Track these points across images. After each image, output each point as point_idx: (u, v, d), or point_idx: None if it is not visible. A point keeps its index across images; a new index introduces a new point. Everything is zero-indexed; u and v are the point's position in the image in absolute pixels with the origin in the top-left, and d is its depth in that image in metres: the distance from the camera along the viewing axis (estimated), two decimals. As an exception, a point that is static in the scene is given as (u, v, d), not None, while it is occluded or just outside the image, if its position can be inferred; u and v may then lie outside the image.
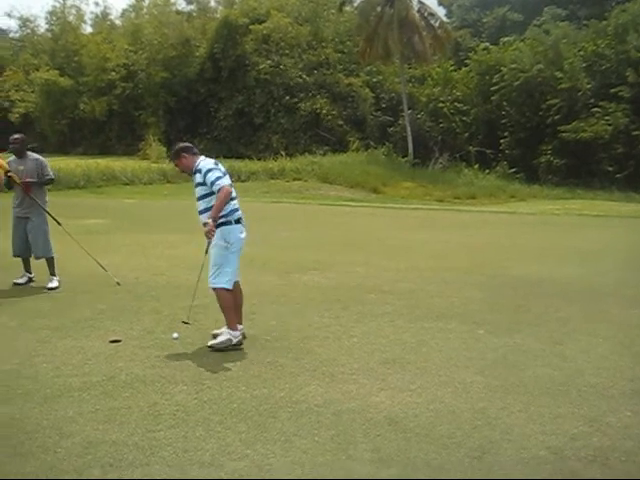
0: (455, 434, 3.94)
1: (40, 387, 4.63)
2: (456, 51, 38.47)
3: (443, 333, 6.02)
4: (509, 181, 28.31)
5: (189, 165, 5.57)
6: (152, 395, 4.49)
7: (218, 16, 39.64)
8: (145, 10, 43.18)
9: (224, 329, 5.49)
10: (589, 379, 4.87)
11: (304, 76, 34.71)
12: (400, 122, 33.26)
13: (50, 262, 7.85)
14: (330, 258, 9.97)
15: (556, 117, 29.01)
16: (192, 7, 43.58)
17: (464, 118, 33.38)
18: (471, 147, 32.09)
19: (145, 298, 7.01)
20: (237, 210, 5.55)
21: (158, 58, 36.70)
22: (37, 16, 46.65)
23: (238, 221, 5.52)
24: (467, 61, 35.04)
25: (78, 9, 44.34)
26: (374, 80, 35.87)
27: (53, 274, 7.83)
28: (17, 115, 38.41)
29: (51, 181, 8.01)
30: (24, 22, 45.59)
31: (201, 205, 5.50)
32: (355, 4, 36.37)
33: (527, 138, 30.28)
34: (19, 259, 7.97)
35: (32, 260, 7.97)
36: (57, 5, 43.67)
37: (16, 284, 7.82)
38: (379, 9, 32.75)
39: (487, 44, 35.53)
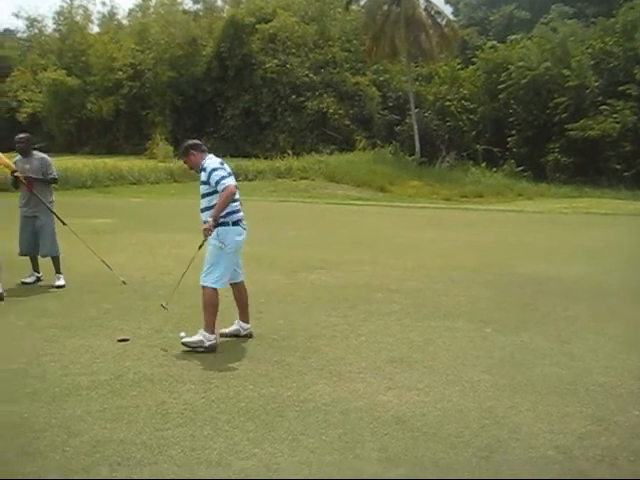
0: (463, 433, 3.93)
1: (48, 386, 4.64)
2: (463, 49, 38.36)
3: (450, 332, 6.01)
4: (516, 179, 28.21)
5: (197, 162, 5.58)
6: (160, 394, 4.50)
7: (225, 15, 39.69)
8: (152, 10, 43.26)
9: (201, 330, 5.44)
10: (597, 378, 4.85)
11: (311, 75, 34.70)
12: (407, 121, 33.20)
13: (56, 260, 7.90)
14: (337, 257, 9.96)
15: (564, 115, 28.90)
16: (199, 6, 43.69)
17: (471, 116, 33.30)
18: (478, 145, 32.01)
19: (152, 297, 7.02)
20: (237, 212, 5.53)
21: (165, 57, 36.76)
22: (44, 16, 46.96)
23: (236, 223, 5.49)
24: (474, 59, 34.92)
25: (85, 9, 44.55)
26: (381, 79, 35.83)
27: (59, 272, 7.89)
28: (25, 115, 38.55)
29: (54, 180, 7.99)
30: (32, 22, 45.81)
31: (202, 203, 5.51)
32: (362, 3, 36.34)
33: (534, 136, 30.18)
34: (25, 258, 8.01)
35: (40, 259, 8.01)
36: (64, 5, 43.91)
37: (24, 283, 7.87)
38: (386, 8, 32.69)
39: (494, 42, 35.41)
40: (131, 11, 46.69)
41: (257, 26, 35.92)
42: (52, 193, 8.04)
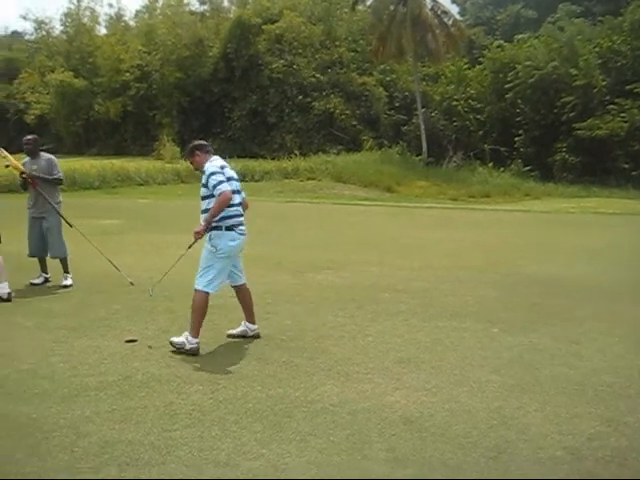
0: (471, 434, 3.93)
1: (57, 387, 4.66)
2: (470, 49, 38.25)
3: (458, 332, 6.00)
4: (524, 179, 28.11)
5: (201, 163, 5.58)
6: (168, 395, 4.51)
7: (231, 16, 39.71)
8: (159, 11, 43.33)
9: (186, 332, 5.42)
10: (606, 378, 4.84)
11: (317, 75, 34.70)
12: (414, 121, 33.14)
13: (63, 261, 7.95)
14: (344, 257, 9.96)
15: (571, 114, 28.78)
16: (205, 7, 43.69)
17: (478, 116, 33.21)
18: (485, 145, 31.92)
19: (159, 298, 7.03)
20: (233, 217, 5.45)
21: (172, 58, 36.82)
22: (52, 18, 47.15)
23: (230, 228, 5.43)
24: (481, 59, 34.81)
25: (92, 11, 44.62)
26: (387, 79, 35.78)
27: (67, 272, 7.94)
28: (33, 117, 38.73)
29: (59, 181, 7.98)
30: (39, 24, 45.96)
31: (202, 205, 5.50)
32: (368, 3, 36.27)
33: (542, 136, 30.07)
34: (34, 259, 8.06)
35: (48, 260, 8.05)
36: (72, 7, 43.99)
37: (32, 284, 7.91)
38: (392, 8, 32.63)
39: (501, 42, 35.29)
40: (138, 12, 46.84)
41: (263, 27, 35.94)
42: (59, 194, 8.07)
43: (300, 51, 35.39)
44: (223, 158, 5.79)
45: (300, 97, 34.38)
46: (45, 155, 7.98)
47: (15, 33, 53.24)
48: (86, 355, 5.32)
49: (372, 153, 30.61)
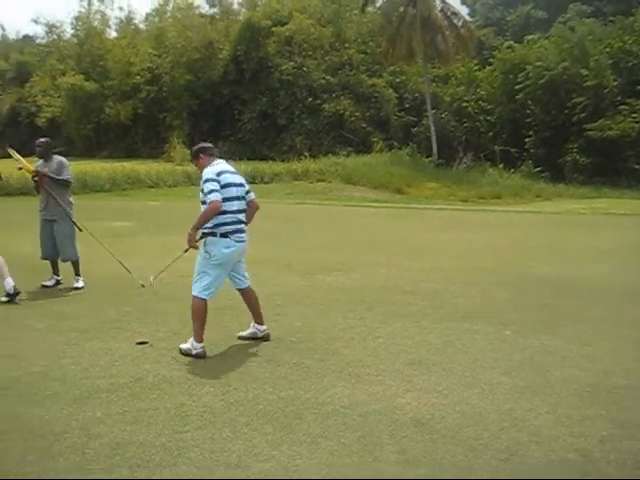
0: (482, 436, 3.91)
1: (69, 388, 4.68)
2: (480, 50, 38.17)
3: (469, 334, 5.98)
4: (534, 180, 28.02)
5: (204, 166, 5.54)
6: (179, 396, 4.52)
7: (241, 18, 39.81)
8: (169, 14, 43.47)
9: (191, 339, 5.41)
10: (618, 380, 4.80)
11: (327, 77, 34.72)
12: (424, 122, 33.11)
13: (75, 264, 8.00)
14: (354, 259, 9.96)
15: (582, 115, 28.66)
16: (215, 10, 43.87)
17: (488, 117, 33.14)
18: (495, 146, 31.84)
19: (170, 300, 7.05)
20: (228, 224, 5.37)
21: (182, 61, 36.95)
22: (63, 22, 47.38)
23: (225, 235, 5.35)
24: (491, 60, 34.77)
25: (103, 14, 44.87)
26: (397, 80, 35.76)
27: (78, 274, 7.99)
28: (44, 120, 39.01)
29: (66, 182, 7.98)
30: (50, 28, 46.23)
31: (201, 209, 5.46)
32: (378, 5, 36.32)
33: (552, 137, 29.96)
34: (46, 261, 8.11)
35: (60, 263, 8.10)
36: (82, 11, 44.22)
37: (44, 286, 7.95)
38: (402, 9, 32.64)
39: (511, 42, 35.23)
40: (148, 16, 47.09)
41: (273, 29, 36.01)
42: (69, 195, 8.11)
43: (310, 53, 35.43)
44: (233, 160, 5.79)
45: (310, 99, 34.41)
46: (57, 158, 8.03)
47: (27, 37, 53.73)
48: (97, 357, 5.34)
49: (382, 155, 30.59)
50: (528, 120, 31.08)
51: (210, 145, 5.80)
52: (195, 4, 42.92)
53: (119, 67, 38.51)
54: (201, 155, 5.62)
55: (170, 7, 43.48)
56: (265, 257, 9.68)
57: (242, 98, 36.03)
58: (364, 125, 33.92)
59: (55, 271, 8.10)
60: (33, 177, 7.83)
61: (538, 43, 32.94)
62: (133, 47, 39.90)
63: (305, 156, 29.55)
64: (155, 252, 10.29)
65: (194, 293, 5.42)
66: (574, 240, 12.30)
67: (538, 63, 30.69)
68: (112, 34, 45.32)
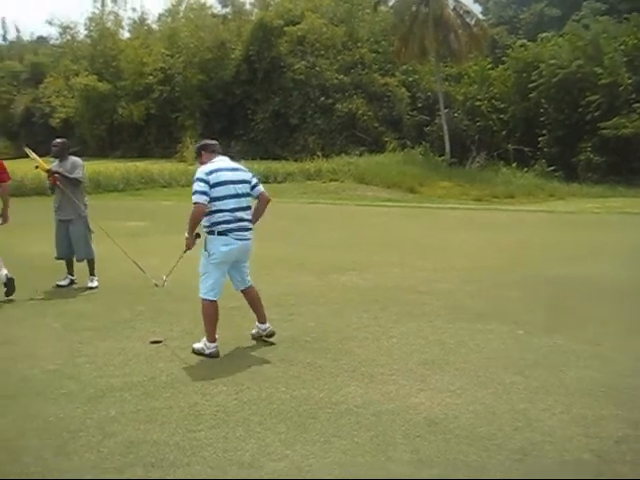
0: (496, 435, 3.90)
1: (83, 387, 4.72)
2: (493, 48, 38.00)
3: (482, 334, 5.96)
4: (548, 179, 27.87)
5: (204, 163, 5.50)
6: (192, 396, 4.54)
7: (253, 18, 39.87)
8: (181, 14, 43.63)
9: (204, 338, 5.42)
10: (632, 381, 4.77)
11: (340, 76, 34.69)
12: (437, 121, 33.01)
13: (91, 263, 8.06)
14: (367, 258, 9.95)
15: (596, 113, 28.46)
16: (227, 10, 43.94)
17: (501, 116, 33.00)
18: (509, 145, 31.70)
19: (184, 299, 7.07)
20: (226, 223, 5.30)
21: (194, 61, 37.07)
22: (77, 23, 47.63)
23: (223, 233, 5.30)
24: (504, 58, 34.62)
25: (116, 15, 45.16)
26: (410, 79, 35.66)
27: (93, 274, 8.05)
28: (58, 120, 39.27)
29: (77, 181, 7.97)
30: (64, 29, 46.54)
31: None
32: (390, 4, 36.18)
33: (566, 135, 29.78)
34: (61, 261, 8.17)
35: (75, 262, 8.16)
36: (96, 12, 44.51)
37: (59, 286, 8.01)
38: (414, 8, 32.53)
39: (524, 41, 35.05)
40: (161, 16, 47.23)
41: (285, 28, 36.04)
42: (84, 195, 8.17)
43: (322, 52, 35.42)
44: (245, 160, 5.79)
45: (322, 98, 34.40)
46: (72, 158, 8.10)
47: (41, 38, 54.15)
48: (111, 356, 5.38)
49: (395, 154, 30.53)
50: (541, 119, 30.92)
51: (212, 142, 5.73)
52: (207, 4, 43.19)
53: (132, 67, 38.68)
54: (202, 152, 5.58)
55: (183, 7, 43.69)
56: (278, 256, 9.70)
57: (255, 98, 36.08)
58: (377, 124, 33.87)
59: (70, 271, 8.16)
60: (48, 176, 7.91)
61: (552, 41, 32.75)
62: (146, 47, 40.06)
63: (318, 156, 29.54)
64: (168, 252, 10.27)
65: (200, 295, 5.44)
66: (588, 239, 12.22)
67: (552, 61, 30.51)
68: (125, 35, 45.68)
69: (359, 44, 36.30)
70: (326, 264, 9.40)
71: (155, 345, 5.64)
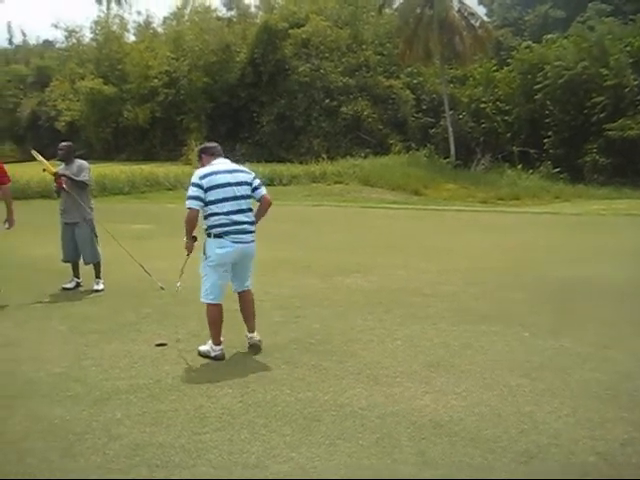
0: (501, 438, 3.90)
1: (89, 390, 4.73)
2: (497, 50, 37.93)
3: (487, 336, 5.95)
4: (553, 181, 27.79)
5: (204, 166, 5.48)
6: (198, 398, 4.55)
7: (258, 21, 39.93)
8: (186, 17, 43.74)
9: (209, 341, 5.43)
10: (639, 383, 4.76)
11: (344, 79, 34.71)
12: (441, 123, 33.00)
13: (97, 266, 8.09)
14: (372, 261, 9.95)
15: (601, 115, 28.38)
16: (232, 13, 44.03)
17: (506, 118, 32.94)
18: (514, 147, 31.63)
19: (189, 302, 7.07)
20: (222, 226, 5.26)
21: (199, 64, 37.12)
22: (82, 26, 47.55)
23: (219, 235, 5.27)
24: (509, 60, 34.57)
25: (121, 18, 45.32)
26: (414, 82, 35.65)
27: (99, 277, 8.08)
28: (63, 123, 39.40)
29: (83, 184, 8.00)
30: (70, 33, 46.64)
31: None
32: (395, 6, 36.19)
33: (571, 137, 29.71)
34: (67, 264, 8.20)
35: (81, 265, 8.19)
36: (101, 15, 44.68)
37: (65, 289, 8.03)
38: (419, 10, 32.54)
39: (529, 42, 34.99)
40: (166, 19, 47.33)
41: (290, 31, 36.07)
42: (90, 199, 8.20)
43: (327, 55, 35.45)
44: (250, 163, 5.79)
45: (327, 101, 34.42)
46: (78, 161, 8.13)
47: (46, 42, 54.30)
48: (117, 359, 5.39)
49: (400, 156, 30.51)
50: (547, 120, 30.85)
51: (212, 145, 5.69)
52: (212, 7, 43.50)
53: (137, 71, 38.79)
54: (203, 155, 5.57)
55: (188, 11, 43.83)
56: (283, 259, 9.71)
57: (260, 100, 36.12)
58: (381, 127, 33.87)
59: (76, 273, 8.19)
60: (55, 179, 7.93)
61: (557, 43, 32.68)
62: (151, 51, 40.16)
63: (323, 158, 29.54)
64: (174, 254, 10.30)
65: (201, 299, 5.44)
66: (593, 241, 12.19)
67: (557, 63, 30.45)
68: (130, 38, 45.78)
69: (364, 46, 36.30)
70: (331, 266, 9.40)
71: (161, 348, 5.65)
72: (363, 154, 30.90)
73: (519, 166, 29.55)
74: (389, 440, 3.89)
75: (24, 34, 62.41)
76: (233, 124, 36.45)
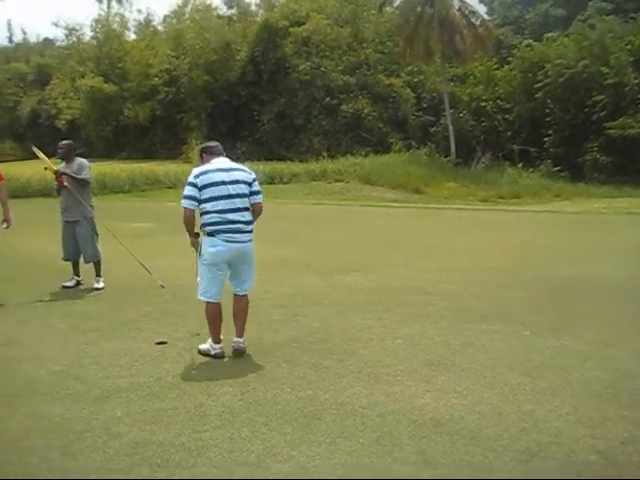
0: (502, 436, 3.89)
1: (89, 388, 4.73)
2: (498, 49, 37.91)
3: (488, 334, 5.94)
4: (553, 180, 27.79)
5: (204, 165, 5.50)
6: (198, 396, 4.54)
7: (258, 19, 39.90)
8: (187, 16, 43.67)
9: (209, 339, 5.42)
10: (639, 382, 4.75)
11: (345, 77, 34.69)
12: (442, 122, 32.98)
13: (97, 264, 8.09)
14: (372, 259, 9.94)
15: (602, 113, 28.36)
16: (233, 11, 44.01)
17: (507, 116, 32.92)
18: (514, 146, 31.61)
19: (189, 301, 7.06)
20: (214, 224, 5.22)
21: (200, 62, 37.11)
22: (82, 24, 47.34)
23: (212, 234, 5.22)
24: (509, 59, 34.55)
25: (122, 17, 45.16)
26: (415, 80, 35.62)
27: (99, 275, 8.09)
28: (64, 122, 39.36)
29: (85, 182, 8.01)
30: (70, 31, 46.50)
31: None
32: (395, 4, 36.19)
33: (572, 136, 29.69)
34: (68, 262, 8.20)
35: (81, 263, 8.19)
36: (102, 13, 44.59)
37: (65, 287, 8.03)
38: (419, 9, 32.52)
39: (530, 41, 34.97)
40: (166, 17, 47.27)
41: (290, 29, 36.04)
42: (91, 197, 8.20)
43: (327, 53, 35.42)
44: (250, 161, 5.78)
45: (327, 99, 34.39)
46: (79, 159, 8.13)
47: (47, 40, 54.28)
48: (117, 357, 5.39)
49: (400, 155, 30.49)
50: (547, 119, 30.83)
51: (213, 144, 5.67)
52: (213, 6, 43.36)
53: (138, 69, 38.75)
54: (203, 155, 5.55)
55: (188, 9, 43.73)
56: (283, 257, 9.70)
57: (260, 99, 36.11)
58: (382, 125, 33.85)
59: (76, 272, 8.18)
60: (56, 177, 7.92)
61: (557, 41, 32.65)
62: (151, 49, 40.12)
63: (323, 156, 29.53)
64: (174, 253, 10.33)
65: (198, 297, 5.44)
66: (594, 240, 12.18)
67: (558, 61, 30.42)
68: (131, 36, 45.69)
69: (364, 45, 36.27)
70: (331, 265, 9.40)
71: (161, 346, 5.65)
72: (363, 152, 30.86)
73: (519, 165, 29.54)
74: (389, 439, 3.88)
75: (24, 32, 62.23)
76: (233, 122, 36.43)
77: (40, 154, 8.32)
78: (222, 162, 5.45)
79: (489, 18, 42.74)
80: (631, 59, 29.11)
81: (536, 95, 31.32)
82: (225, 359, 5.32)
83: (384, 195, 24.02)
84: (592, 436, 3.89)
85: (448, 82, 33.42)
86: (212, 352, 5.37)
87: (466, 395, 4.52)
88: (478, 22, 32.99)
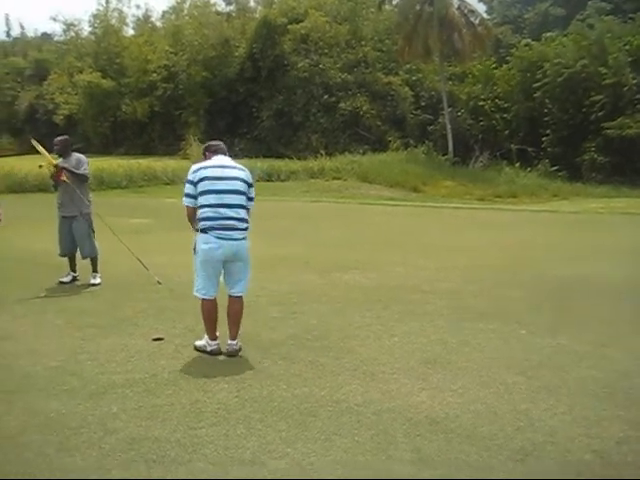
0: (497, 435, 3.90)
1: (85, 384, 4.72)
2: (497, 48, 37.91)
3: (485, 333, 5.95)
4: (551, 179, 27.79)
5: None
6: (194, 393, 4.54)
7: (257, 16, 39.84)
8: (185, 12, 43.61)
9: (205, 336, 5.41)
10: (636, 381, 4.76)
11: (343, 75, 34.66)
12: (440, 120, 32.97)
13: (94, 260, 8.07)
14: (370, 257, 9.95)
15: (600, 113, 28.37)
16: (231, 8, 43.89)
17: (505, 116, 32.92)
18: (512, 145, 31.61)
19: (186, 297, 7.05)
20: (207, 220, 5.20)
21: (198, 59, 37.05)
22: (81, 19, 47.30)
23: (204, 230, 5.21)
24: (508, 58, 34.55)
25: (120, 12, 45.02)
26: (413, 78, 35.59)
27: (95, 271, 8.08)
28: (61, 117, 39.26)
29: (83, 177, 8.01)
30: (68, 26, 46.45)
31: None
32: (394, 2, 36.20)
33: (570, 135, 29.69)
34: (65, 258, 8.18)
35: (78, 259, 8.17)
36: (100, 9, 44.45)
37: (61, 283, 8.02)
38: (418, 7, 32.49)
39: (529, 40, 34.97)
40: (165, 13, 47.22)
41: (289, 26, 35.98)
42: (88, 192, 8.19)
43: (326, 51, 35.38)
44: (249, 158, 5.79)
45: (326, 97, 34.35)
46: (76, 154, 8.12)
47: (45, 35, 54.15)
48: (113, 353, 5.38)
49: (398, 153, 30.46)
50: (545, 118, 30.83)
51: (216, 143, 5.70)
52: (212, 2, 43.13)
53: (136, 65, 38.68)
54: (206, 153, 5.60)
55: (187, 5, 43.68)
56: (281, 255, 9.70)
57: (258, 96, 36.06)
58: (380, 123, 33.82)
59: (72, 267, 8.17)
60: (55, 171, 7.89)
61: (556, 41, 32.65)
62: (150, 45, 40.03)
63: (321, 154, 29.49)
64: (172, 249, 10.33)
65: (194, 293, 5.44)
66: (591, 240, 12.20)
67: (556, 61, 30.41)
68: (129, 32, 45.59)
69: (363, 43, 36.22)
70: (329, 263, 9.40)
71: (157, 342, 5.65)
72: (361, 150, 30.85)
73: (517, 164, 29.53)
74: (385, 436, 3.89)
75: (22, 27, 62.38)
76: (232, 119, 36.37)
77: (39, 147, 8.30)
78: (220, 159, 5.46)
79: (488, 17, 42.77)
80: (629, 59, 29.12)
81: (534, 94, 31.32)
82: (221, 356, 5.32)
83: (382, 193, 24.03)
84: (587, 435, 3.90)
85: (446, 81, 33.41)
86: (208, 348, 5.37)
87: (462, 394, 4.53)
88: (477, 21, 32.97)
